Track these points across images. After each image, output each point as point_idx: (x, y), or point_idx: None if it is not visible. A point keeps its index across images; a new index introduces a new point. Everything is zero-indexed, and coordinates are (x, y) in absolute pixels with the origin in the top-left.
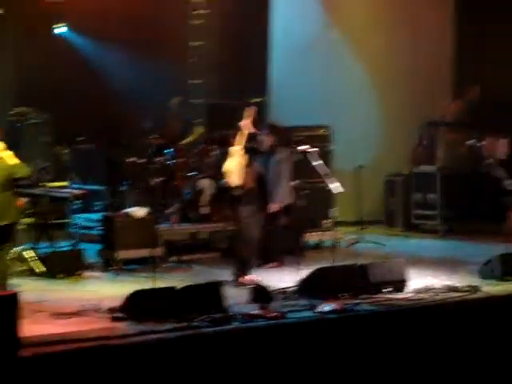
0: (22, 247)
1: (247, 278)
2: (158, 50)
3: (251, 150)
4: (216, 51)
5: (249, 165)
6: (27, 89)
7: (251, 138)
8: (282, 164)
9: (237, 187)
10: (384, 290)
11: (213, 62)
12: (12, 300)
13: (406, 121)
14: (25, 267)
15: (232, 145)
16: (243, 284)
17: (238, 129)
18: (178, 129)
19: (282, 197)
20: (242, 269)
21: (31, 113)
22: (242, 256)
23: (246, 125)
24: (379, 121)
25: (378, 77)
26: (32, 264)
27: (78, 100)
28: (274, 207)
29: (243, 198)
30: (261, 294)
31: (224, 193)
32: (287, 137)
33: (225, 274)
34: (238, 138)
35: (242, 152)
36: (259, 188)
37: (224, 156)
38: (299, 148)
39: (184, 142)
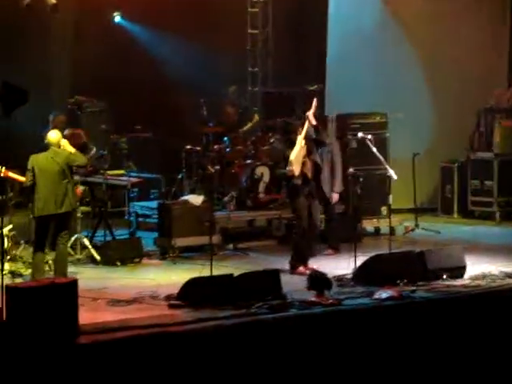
0: (80, 235)
1: (303, 267)
2: (215, 38)
3: (313, 141)
4: (273, 39)
5: (309, 155)
6: (85, 78)
7: (314, 128)
8: (334, 153)
9: (298, 176)
10: (442, 277)
11: (269, 49)
12: (71, 287)
13: (461, 108)
14: (83, 255)
15: (299, 134)
16: (300, 273)
17: (304, 118)
18: (236, 117)
19: (339, 186)
20: (300, 258)
21: (88, 101)
22: (300, 245)
23: (313, 115)
24: (434, 108)
25: (432, 64)
26: (91, 252)
27: (135, 89)
28: (335, 197)
29: (303, 187)
30: (318, 281)
31: (285, 181)
32: (339, 126)
33: (281, 262)
34: (306, 127)
35: (304, 142)
36: (316, 178)
37: (286, 144)
38: (359, 135)
39: (242, 129)
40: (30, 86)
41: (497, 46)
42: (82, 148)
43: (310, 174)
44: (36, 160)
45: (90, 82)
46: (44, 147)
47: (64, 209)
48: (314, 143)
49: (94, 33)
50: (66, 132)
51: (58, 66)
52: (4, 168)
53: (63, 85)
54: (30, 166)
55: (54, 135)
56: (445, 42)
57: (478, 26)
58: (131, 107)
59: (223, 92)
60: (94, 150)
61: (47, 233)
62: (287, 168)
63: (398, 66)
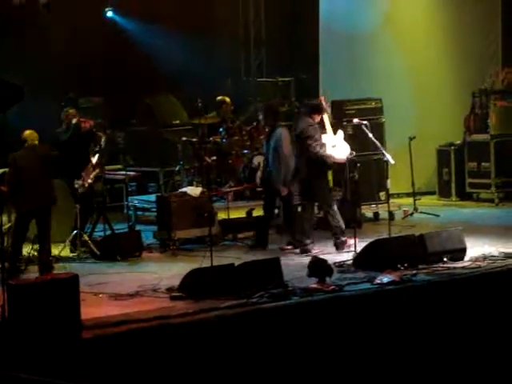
0: (79, 231)
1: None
2: (208, 30)
3: None
4: (266, 28)
5: None
6: (79, 74)
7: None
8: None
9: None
10: (443, 260)
11: (263, 39)
12: (72, 283)
13: (456, 90)
14: (83, 250)
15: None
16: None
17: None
18: (232, 107)
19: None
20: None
21: (83, 97)
22: (308, 230)
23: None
24: (428, 91)
25: (426, 47)
26: (90, 247)
27: (130, 83)
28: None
29: None
30: (319, 268)
31: (319, 164)
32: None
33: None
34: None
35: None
36: None
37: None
38: (354, 121)
39: (240, 119)
40: (24, 84)
41: (490, 28)
42: (90, 134)
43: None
44: (17, 156)
45: (85, 78)
46: (21, 145)
47: (50, 202)
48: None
49: (87, 29)
50: (75, 120)
51: (52, 63)
52: None
53: (57, 82)
54: (11, 162)
55: (28, 131)
56: (439, 24)
57: (470, 9)
58: (126, 102)
59: (218, 83)
60: (104, 138)
61: (27, 227)
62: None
63: (391, 50)
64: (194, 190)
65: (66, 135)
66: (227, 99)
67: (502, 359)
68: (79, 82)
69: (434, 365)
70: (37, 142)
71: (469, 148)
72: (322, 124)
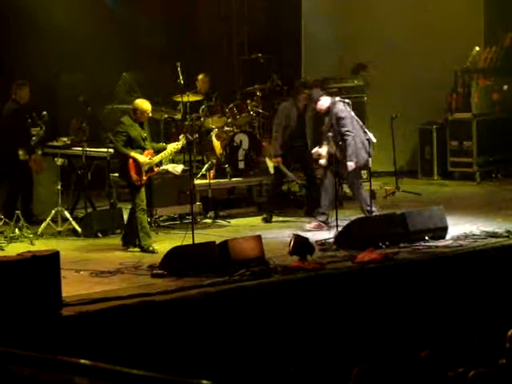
0: (61, 207)
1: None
2: (190, 6)
3: None
4: (247, 5)
5: None
6: (62, 49)
7: None
8: None
9: None
10: (424, 238)
11: (245, 16)
12: (53, 260)
13: (439, 69)
14: (64, 227)
15: None
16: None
17: None
18: (208, 84)
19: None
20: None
21: (65, 73)
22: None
23: None
24: (411, 70)
25: (408, 25)
26: (72, 224)
27: (111, 60)
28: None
29: None
30: (300, 246)
31: None
32: None
33: (264, 228)
34: None
35: None
36: None
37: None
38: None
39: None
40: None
41: (473, 6)
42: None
43: None
44: None
45: (67, 54)
46: None
47: None
48: None
49: (68, 5)
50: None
51: (33, 41)
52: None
53: (41, 56)
54: None
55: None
56: (421, 3)
57: None
58: (108, 78)
59: (199, 61)
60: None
61: None
62: None
63: (374, 28)
64: (176, 168)
65: None
66: (201, 76)
67: (482, 337)
68: (61, 59)
69: (415, 343)
70: None
71: (451, 127)
72: None
